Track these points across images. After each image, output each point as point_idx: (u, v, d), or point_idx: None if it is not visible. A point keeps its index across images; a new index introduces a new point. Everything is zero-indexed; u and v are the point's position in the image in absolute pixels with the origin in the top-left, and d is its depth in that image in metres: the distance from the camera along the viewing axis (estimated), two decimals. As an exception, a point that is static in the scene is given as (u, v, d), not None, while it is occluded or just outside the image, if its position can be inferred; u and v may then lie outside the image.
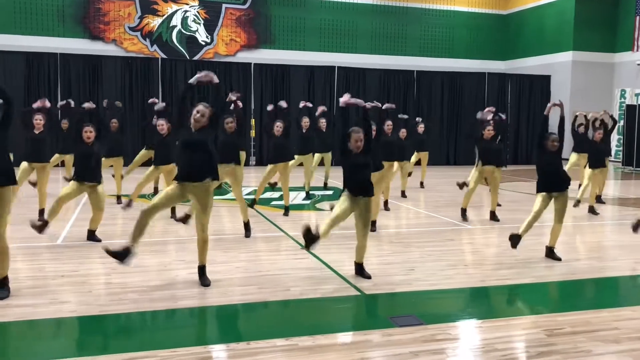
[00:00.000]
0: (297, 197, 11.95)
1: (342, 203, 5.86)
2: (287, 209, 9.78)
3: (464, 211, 9.53)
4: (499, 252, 7.42)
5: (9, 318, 4.69)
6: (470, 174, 10.33)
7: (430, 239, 8.18)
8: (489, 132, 9.39)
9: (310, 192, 12.15)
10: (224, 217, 9.58)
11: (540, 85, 22.61)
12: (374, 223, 8.54)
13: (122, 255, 5.25)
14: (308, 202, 11.50)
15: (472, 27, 23.05)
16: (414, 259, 6.92)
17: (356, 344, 4.30)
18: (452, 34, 22.53)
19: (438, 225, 9.30)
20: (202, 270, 5.74)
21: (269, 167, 9.59)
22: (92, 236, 7.53)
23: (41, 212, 8.85)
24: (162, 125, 9.23)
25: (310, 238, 5.53)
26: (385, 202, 10.35)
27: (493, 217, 9.52)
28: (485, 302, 5.71)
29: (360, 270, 6.05)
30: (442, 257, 7.08)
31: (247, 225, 8.07)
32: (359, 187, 5.87)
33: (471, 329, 4.77)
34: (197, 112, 5.60)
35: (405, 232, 8.70)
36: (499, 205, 10.08)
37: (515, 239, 6.94)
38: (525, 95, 22.47)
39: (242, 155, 10.74)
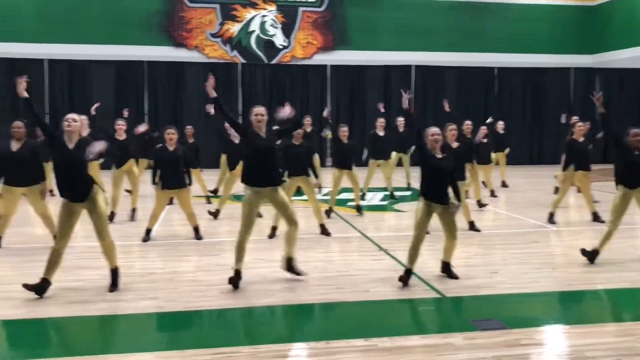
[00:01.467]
0: (374, 198, 11.90)
1: (418, 212, 5.75)
2: (358, 208, 9.76)
3: (551, 215, 9.15)
4: (588, 255, 7.05)
5: (103, 312, 4.96)
6: (559, 176, 9.91)
7: (513, 240, 7.90)
8: (580, 129, 9.05)
9: (394, 192, 11.96)
10: (300, 218, 9.65)
11: (632, 79, 21.29)
12: (473, 223, 8.42)
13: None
14: (385, 202, 11.42)
15: (555, 20, 22.04)
16: (496, 262, 6.72)
17: (436, 347, 4.23)
18: (534, 28, 21.63)
19: (522, 226, 8.97)
20: (290, 261, 5.89)
21: (336, 173, 9.55)
22: (196, 233, 7.88)
23: (133, 210, 9.32)
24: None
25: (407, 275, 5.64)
26: (478, 202, 10.24)
27: (596, 218, 9.11)
28: (573, 306, 5.45)
29: (447, 269, 5.93)
30: (526, 259, 6.82)
31: (323, 227, 8.13)
32: (436, 194, 5.71)
33: (558, 334, 4.57)
34: (256, 114, 5.73)
35: (488, 233, 8.46)
36: (596, 202, 9.69)
37: (591, 255, 6.55)
38: (616, 90, 21.24)
39: (316, 159, 10.62)
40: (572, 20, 22.36)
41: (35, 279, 5.39)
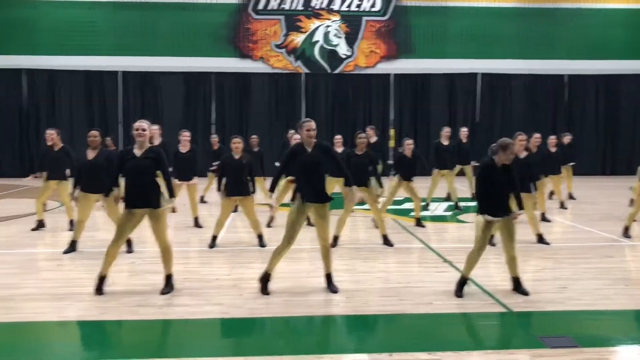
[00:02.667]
0: (438, 208, 11.72)
1: (478, 227, 5.63)
2: (418, 221, 9.63)
3: (626, 229, 8.72)
4: (667, 271, 6.67)
5: (170, 316, 5.11)
6: (634, 188, 9.44)
7: (584, 254, 7.58)
8: None
9: (459, 202, 11.72)
10: (359, 228, 9.65)
11: None
12: (541, 236, 8.19)
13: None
14: (449, 213, 11.22)
15: (631, 25, 21.07)
16: (566, 276, 6.46)
17: (503, 363, 4.10)
18: (607, 33, 20.74)
19: (593, 240, 8.59)
20: (329, 277, 5.89)
21: (394, 183, 9.40)
22: (260, 240, 8.02)
23: (195, 219, 9.56)
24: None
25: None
26: (542, 214, 9.91)
27: None
28: (651, 326, 5.16)
29: (517, 285, 5.76)
30: (598, 275, 6.52)
31: (385, 238, 8.08)
32: (493, 208, 5.57)
33: (635, 356, 4.33)
34: (308, 129, 5.71)
35: (557, 247, 8.15)
36: None
37: None
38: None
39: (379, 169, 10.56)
40: (649, 25, 21.31)
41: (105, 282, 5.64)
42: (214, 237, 7.98)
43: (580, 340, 4.48)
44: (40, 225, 9.22)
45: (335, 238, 8.02)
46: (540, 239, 8.19)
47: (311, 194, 5.67)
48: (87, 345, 4.70)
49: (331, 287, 5.82)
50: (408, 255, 7.62)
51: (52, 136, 9.24)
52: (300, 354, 4.22)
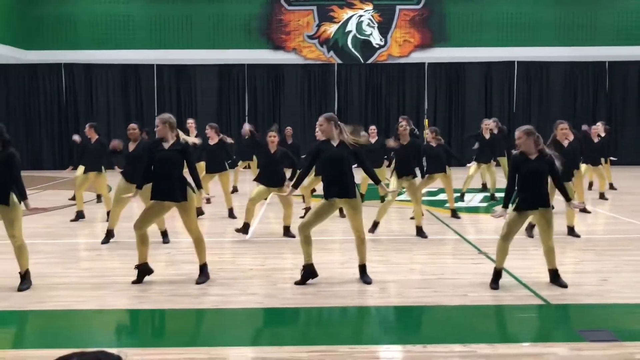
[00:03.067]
0: (473, 199, 11.56)
1: (509, 217, 5.52)
2: (453, 212, 9.50)
3: None
4: None
5: (205, 305, 5.18)
6: None
7: (627, 246, 7.37)
8: None
9: (495, 193, 11.54)
10: (393, 219, 9.58)
11: None
12: (572, 229, 7.98)
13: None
14: (485, 204, 11.06)
15: (677, 8, 20.31)
16: (607, 269, 6.29)
17: (540, 356, 4.02)
18: (651, 18, 20.06)
19: (635, 232, 8.35)
20: (363, 268, 5.86)
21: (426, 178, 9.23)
22: (287, 232, 8.04)
23: (230, 210, 9.65)
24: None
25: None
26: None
27: None
28: (696, 321, 4.99)
29: (555, 277, 5.64)
30: (641, 267, 6.34)
31: (420, 229, 8.00)
32: (528, 200, 5.44)
33: (679, 350, 4.19)
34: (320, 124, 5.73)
35: (597, 238, 7.95)
36: None
37: None
38: None
39: None
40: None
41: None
42: (246, 225, 8.01)
43: (620, 334, 4.36)
44: (79, 216, 9.46)
45: (375, 224, 8.02)
46: (571, 232, 7.97)
47: (335, 189, 5.63)
48: (125, 332, 4.81)
49: (365, 278, 5.80)
50: (442, 247, 7.54)
51: (86, 130, 9.64)
52: (334, 344, 4.22)
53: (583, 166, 9.50)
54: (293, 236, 7.90)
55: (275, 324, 4.88)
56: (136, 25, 19.51)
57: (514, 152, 5.70)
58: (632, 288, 5.58)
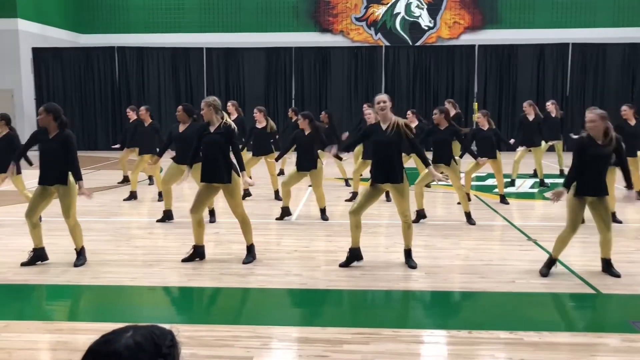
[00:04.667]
0: (523, 185, 11.31)
1: (570, 205, 5.36)
2: (502, 197, 9.32)
3: None
4: None
5: (251, 285, 5.28)
6: None
7: (684, 236, 7.08)
8: None
9: (544, 179, 11.26)
10: (438, 204, 9.48)
11: None
12: (613, 215, 7.68)
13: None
14: (535, 190, 10.81)
15: None
16: (663, 259, 6.07)
17: (589, 346, 3.94)
18: None
19: (695, 221, 8.01)
20: (408, 252, 5.85)
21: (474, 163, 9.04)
22: (323, 214, 8.12)
23: (276, 192, 9.75)
24: None
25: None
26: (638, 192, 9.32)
27: None
28: None
29: (607, 266, 5.48)
30: (700, 258, 6.09)
31: (468, 215, 7.88)
32: (589, 186, 5.27)
33: None
34: (379, 102, 5.62)
35: (652, 227, 7.67)
36: None
37: None
38: None
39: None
40: None
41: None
42: (284, 209, 8.11)
43: (677, 327, 4.21)
44: (132, 196, 9.75)
45: (420, 212, 7.91)
46: (613, 217, 7.65)
47: (382, 174, 5.60)
48: (176, 309, 4.96)
49: (410, 262, 5.79)
50: (490, 233, 7.43)
51: (141, 112, 9.86)
52: (378, 327, 4.24)
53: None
54: (327, 219, 7.94)
55: (319, 305, 4.93)
56: (186, 10, 19.79)
57: (574, 135, 5.53)
58: (690, 279, 5.37)
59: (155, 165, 9.55)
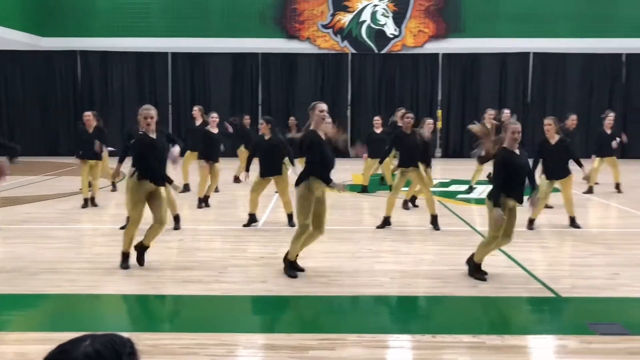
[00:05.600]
0: (484, 192, 11.50)
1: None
2: (407, 201, 9.56)
3: None
4: None
5: (216, 292, 5.22)
6: None
7: (638, 241, 7.31)
8: None
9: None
10: (402, 210, 9.57)
11: None
12: (572, 220, 7.88)
13: None
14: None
15: (697, 0, 19.96)
16: (618, 262, 6.25)
17: (549, 349, 4.03)
18: (671, 10, 19.73)
19: (649, 226, 8.27)
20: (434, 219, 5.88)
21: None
22: (290, 220, 8.09)
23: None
24: None
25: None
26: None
27: None
28: None
29: (572, 222, 6.19)
30: (654, 262, 6.29)
31: (434, 218, 7.97)
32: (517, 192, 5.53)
33: (690, 345, 4.17)
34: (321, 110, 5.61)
35: (609, 232, 7.89)
36: None
37: None
38: None
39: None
40: None
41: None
42: (251, 216, 8.09)
43: (633, 328, 4.34)
44: (88, 203, 9.45)
45: (386, 219, 7.97)
46: (572, 222, 7.86)
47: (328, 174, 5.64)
48: (136, 317, 4.87)
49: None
50: (454, 238, 7.52)
51: (87, 117, 9.58)
52: (343, 332, 4.25)
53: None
54: (294, 225, 7.92)
55: (285, 312, 4.91)
56: (151, 14, 19.55)
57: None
58: (644, 282, 5.54)
59: (97, 170, 9.39)
